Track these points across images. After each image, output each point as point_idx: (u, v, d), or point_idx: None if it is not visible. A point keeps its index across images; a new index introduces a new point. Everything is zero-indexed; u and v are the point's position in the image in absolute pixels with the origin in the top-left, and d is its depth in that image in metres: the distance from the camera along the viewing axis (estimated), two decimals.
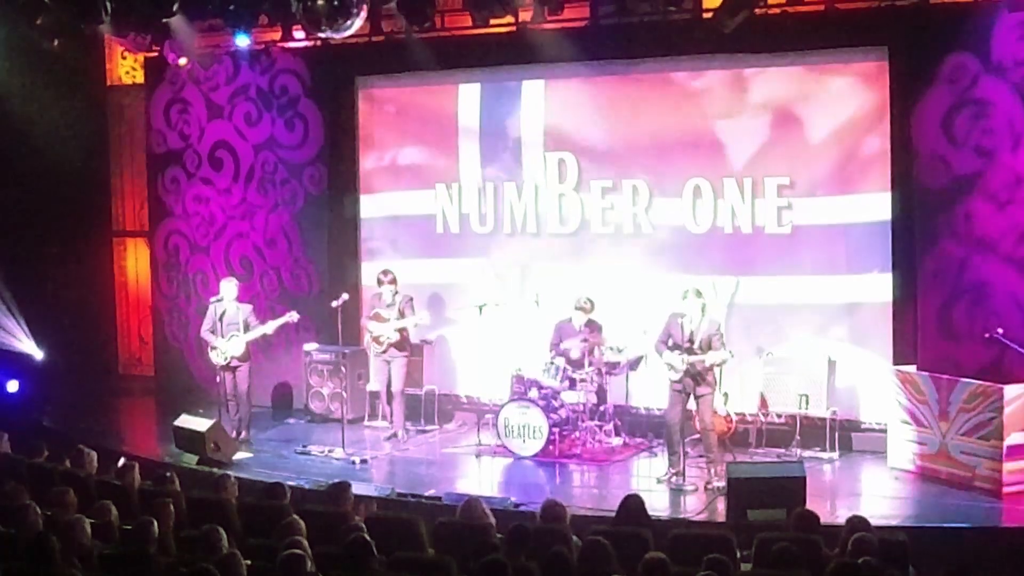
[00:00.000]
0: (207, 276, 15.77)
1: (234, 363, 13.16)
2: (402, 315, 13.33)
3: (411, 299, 13.50)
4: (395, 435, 13.54)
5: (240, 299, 13.37)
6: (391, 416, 13.76)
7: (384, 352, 13.43)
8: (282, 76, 15.21)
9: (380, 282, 13.42)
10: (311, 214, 15.23)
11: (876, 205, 12.56)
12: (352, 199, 15.12)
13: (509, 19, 13.27)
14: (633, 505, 8.85)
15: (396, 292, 13.38)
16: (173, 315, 16.23)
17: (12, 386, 15.40)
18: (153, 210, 16.37)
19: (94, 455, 10.74)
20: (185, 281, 16.02)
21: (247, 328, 13.11)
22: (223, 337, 13.11)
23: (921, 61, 12.13)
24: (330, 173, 15.11)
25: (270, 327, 13.16)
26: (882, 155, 12.49)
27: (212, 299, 13.40)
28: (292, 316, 13.23)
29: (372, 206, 15.14)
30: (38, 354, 15.80)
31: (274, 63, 15.17)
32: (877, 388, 12.34)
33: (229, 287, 13.27)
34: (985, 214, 11.90)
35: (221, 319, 13.15)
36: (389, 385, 13.66)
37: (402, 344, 13.44)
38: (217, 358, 13.23)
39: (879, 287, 12.60)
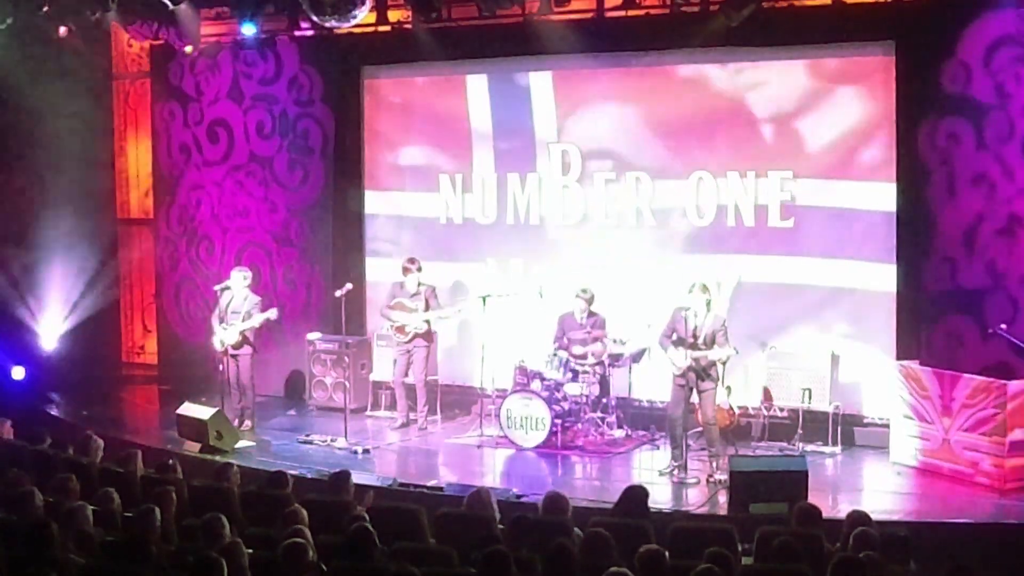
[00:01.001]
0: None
1: (231, 351, 13.18)
2: (427, 304, 13.33)
3: (434, 288, 13.51)
4: (405, 424, 13.55)
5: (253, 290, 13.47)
6: (400, 405, 13.73)
7: (409, 342, 13.43)
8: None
9: (407, 270, 13.38)
10: (315, 205, 15.25)
11: (881, 198, 12.55)
12: (356, 189, 15.12)
13: (516, 10, 13.25)
14: (634, 495, 8.85)
15: (421, 282, 13.38)
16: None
17: (18, 373, 15.44)
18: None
19: (100, 443, 10.75)
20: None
21: (247, 319, 13.12)
22: (226, 325, 13.14)
23: (928, 55, 12.11)
24: (335, 163, 15.11)
25: (256, 320, 13.14)
26: (888, 150, 12.48)
27: (217, 286, 13.41)
28: (271, 314, 13.12)
29: (377, 197, 15.14)
30: (51, 343, 15.87)
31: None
32: (880, 383, 12.34)
33: (237, 277, 13.28)
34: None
35: (228, 307, 13.17)
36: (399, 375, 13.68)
37: (428, 334, 13.46)
38: (216, 344, 13.28)
39: (883, 281, 12.59)
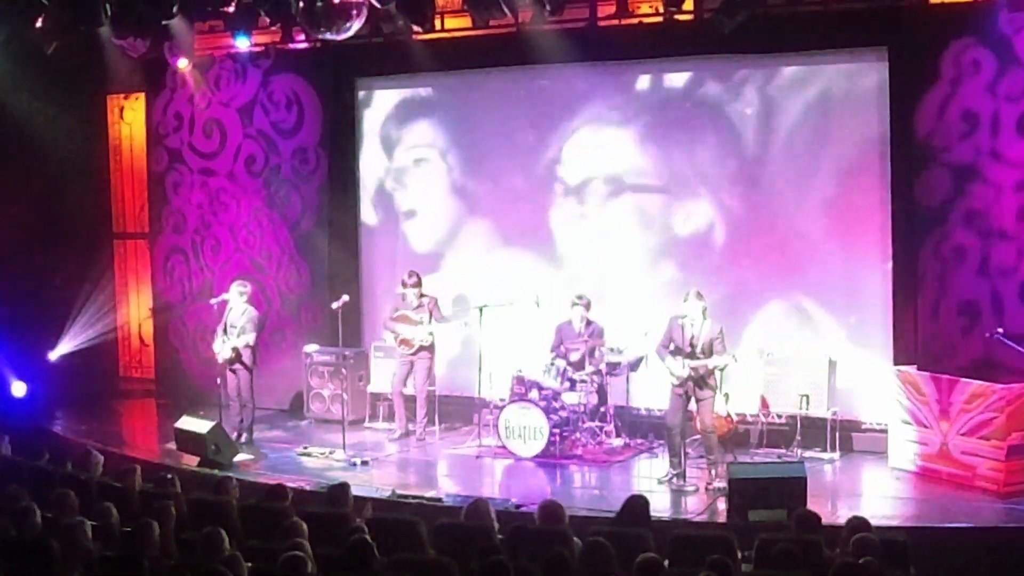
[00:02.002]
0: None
1: (229, 365, 13.19)
2: (431, 315, 13.33)
3: (436, 299, 13.50)
4: (404, 435, 13.53)
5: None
6: (398, 416, 13.71)
7: (414, 354, 13.42)
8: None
9: (404, 284, 13.40)
10: (310, 216, 15.25)
11: (877, 202, 12.56)
12: (352, 201, 15.13)
13: (509, 20, 13.26)
14: (635, 505, 8.85)
15: (422, 295, 13.38)
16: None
17: (19, 389, 15.43)
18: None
19: (99, 458, 10.74)
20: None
21: (242, 332, 13.12)
22: (225, 339, 13.14)
23: (920, 61, 12.13)
24: (330, 174, 15.11)
25: (240, 341, 13.09)
26: (882, 154, 12.49)
27: (214, 300, 13.43)
28: (249, 338, 13.08)
29: (373, 207, 15.15)
30: (49, 359, 15.87)
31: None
32: (878, 388, 12.34)
33: (235, 290, 13.28)
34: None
35: (228, 321, 13.18)
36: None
37: (431, 345, 13.46)
38: (218, 358, 13.29)
39: (880, 286, 12.60)
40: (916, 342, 12.27)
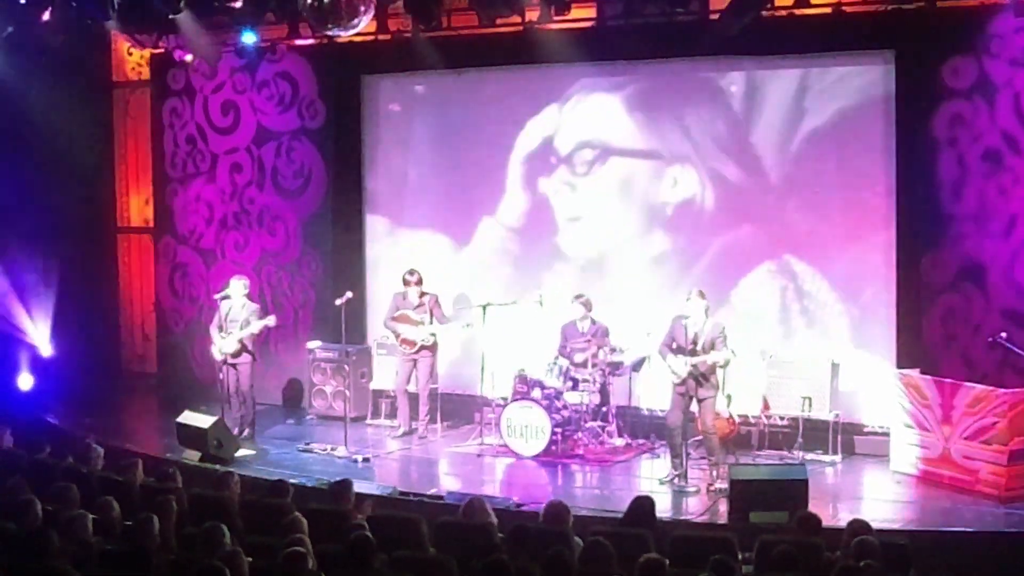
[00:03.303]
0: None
1: (230, 360, 13.18)
2: (432, 315, 13.32)
3: (437, 297, 13.49)
4: (407, 433, 13.53)
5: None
6: (401, 414, 13.72)
7: (415, 352, 13.43)
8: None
9: (407, 283, 13.38)
10: (314, 214, 15.26)
11: (880, 205, 12.56)
12: (356, 199, 15.13)
13: (516, 19, 13.26)
14: (641, 506, 8.85)
15: (423, 293, 13.38)
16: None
17: (25, 382, 15.45)
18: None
19: (100, 451, 10.76)
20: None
21: (244, 327, 13.11)
22: (224, 334, 13.13)
23: (927, 65, 12.12)
24: (334, 172, 15.11)
25: (255, 327, 13.15)
26: (887, 161, 12.47)
27: (217, 295, 13.41)
28: (270, 320, 13.23)
29: (377, 206, 15.15)
30: (47, 350, 15.87)
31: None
32: (880, 391, 12.32)
33: (237, 285, 13.28)
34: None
35: (227, 316, 13.18)
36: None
37: (433, 344, 13.45)
38: (215, 354, 13.29)
39: (883, 288, 12.59)
40: (919, 344, 12.28)
